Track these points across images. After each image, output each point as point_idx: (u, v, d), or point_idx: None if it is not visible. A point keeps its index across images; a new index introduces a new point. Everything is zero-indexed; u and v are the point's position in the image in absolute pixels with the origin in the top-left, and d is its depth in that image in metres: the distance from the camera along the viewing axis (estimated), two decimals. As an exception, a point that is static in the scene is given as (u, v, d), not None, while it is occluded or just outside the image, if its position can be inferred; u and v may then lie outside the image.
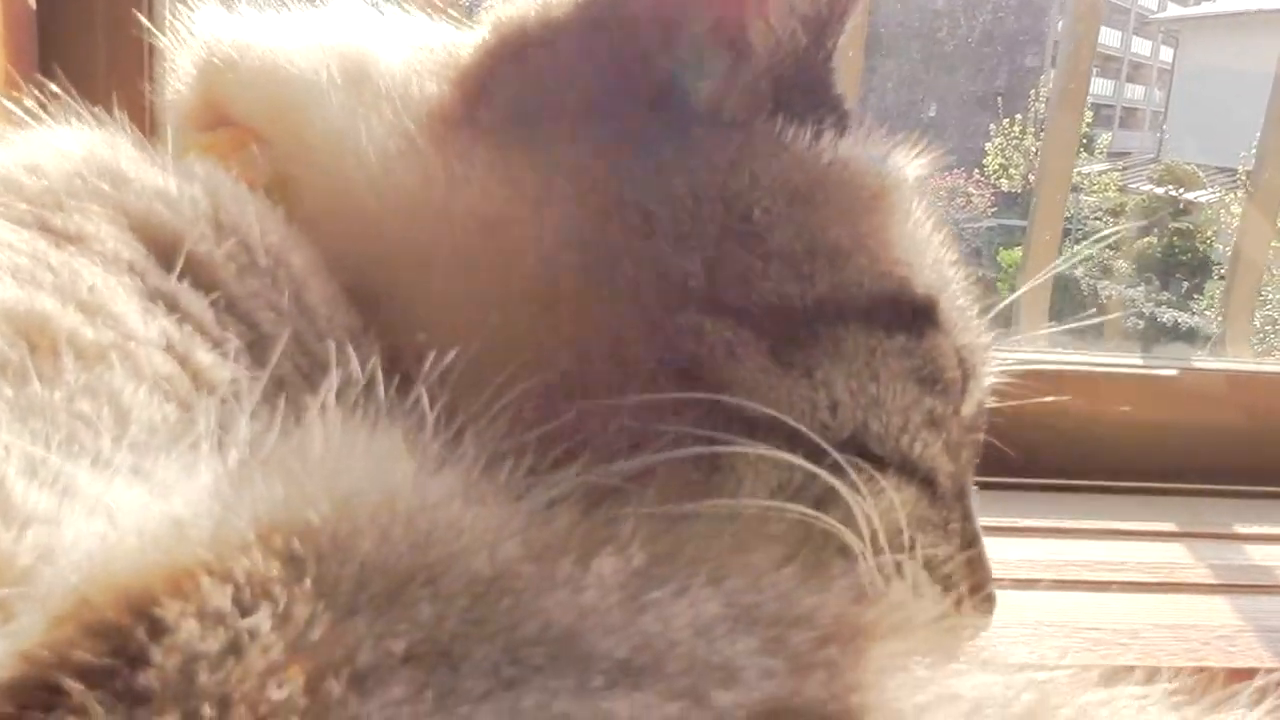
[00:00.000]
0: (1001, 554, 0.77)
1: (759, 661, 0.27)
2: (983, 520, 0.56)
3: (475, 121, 0.42)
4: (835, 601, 0.32)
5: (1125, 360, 0.97)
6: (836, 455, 0.42)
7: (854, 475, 0.42)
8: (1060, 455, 0.88)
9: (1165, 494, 0.93)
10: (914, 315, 0.45)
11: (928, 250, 0.47)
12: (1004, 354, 0.53)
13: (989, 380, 0.50)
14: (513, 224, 0.41)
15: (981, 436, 0.51)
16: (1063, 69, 1.14)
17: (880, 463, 0.44)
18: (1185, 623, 0.72)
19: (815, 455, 0.42)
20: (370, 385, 0.30)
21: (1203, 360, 1.01)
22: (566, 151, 0.42)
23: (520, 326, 0.40)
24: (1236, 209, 6.58)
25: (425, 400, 0.30)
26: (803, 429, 0.41)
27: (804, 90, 0.46)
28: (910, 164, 0.50)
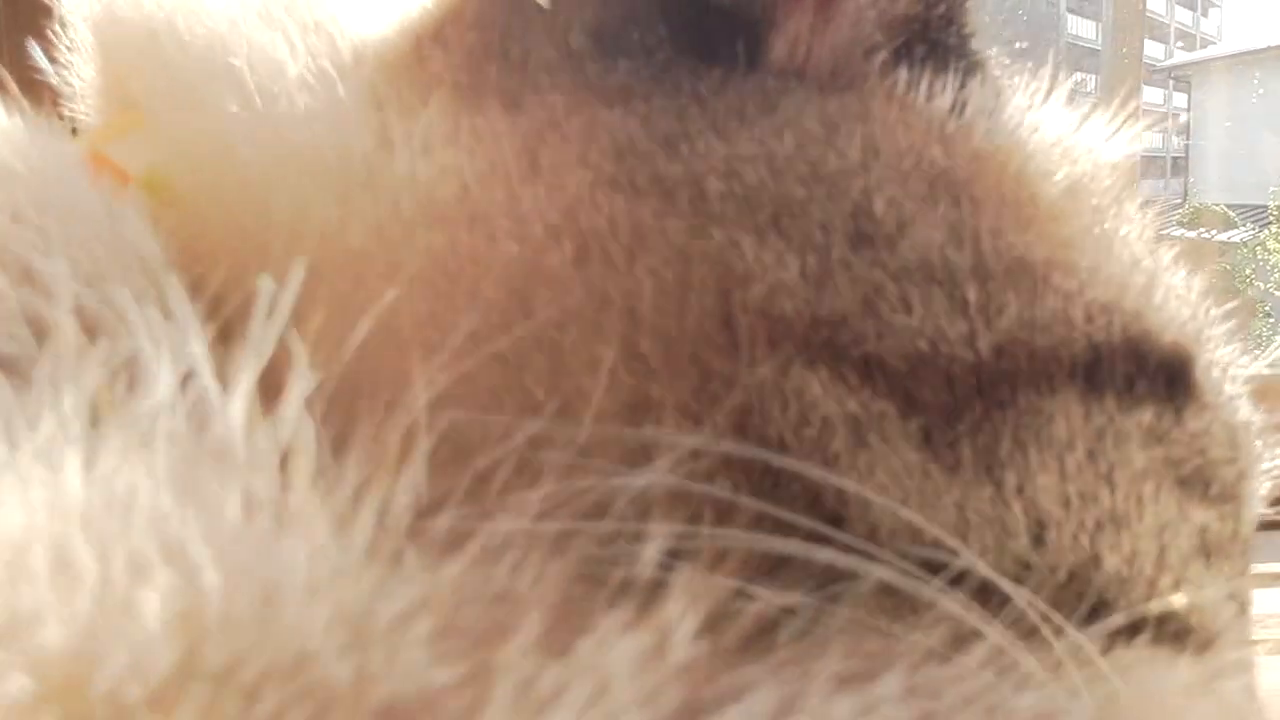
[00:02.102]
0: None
1: None
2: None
3: (429, 74, 0.30)
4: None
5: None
6: (1045, 616, 0.25)
7: (1067, 649, 0.25)
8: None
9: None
10: (1164, 376, 0.28)
11: (1160, 276, 0.31)
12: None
13: (1266, 483, 0.32)
14: (477, 206, 0.28)
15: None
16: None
17: (1123, 629, 0.26)
18: None
19: (998, 610, 0.25)
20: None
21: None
22: (564, 106, 0.29)
23: (474, 337, 0.26)
24: (1272, 245, 6.57)
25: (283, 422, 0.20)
26: (982, 569, 0.25)
27: (934, 36, 0.32)
28: (1107, 139, 0.33)
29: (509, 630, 0.18)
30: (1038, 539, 0.26)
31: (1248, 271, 6.72)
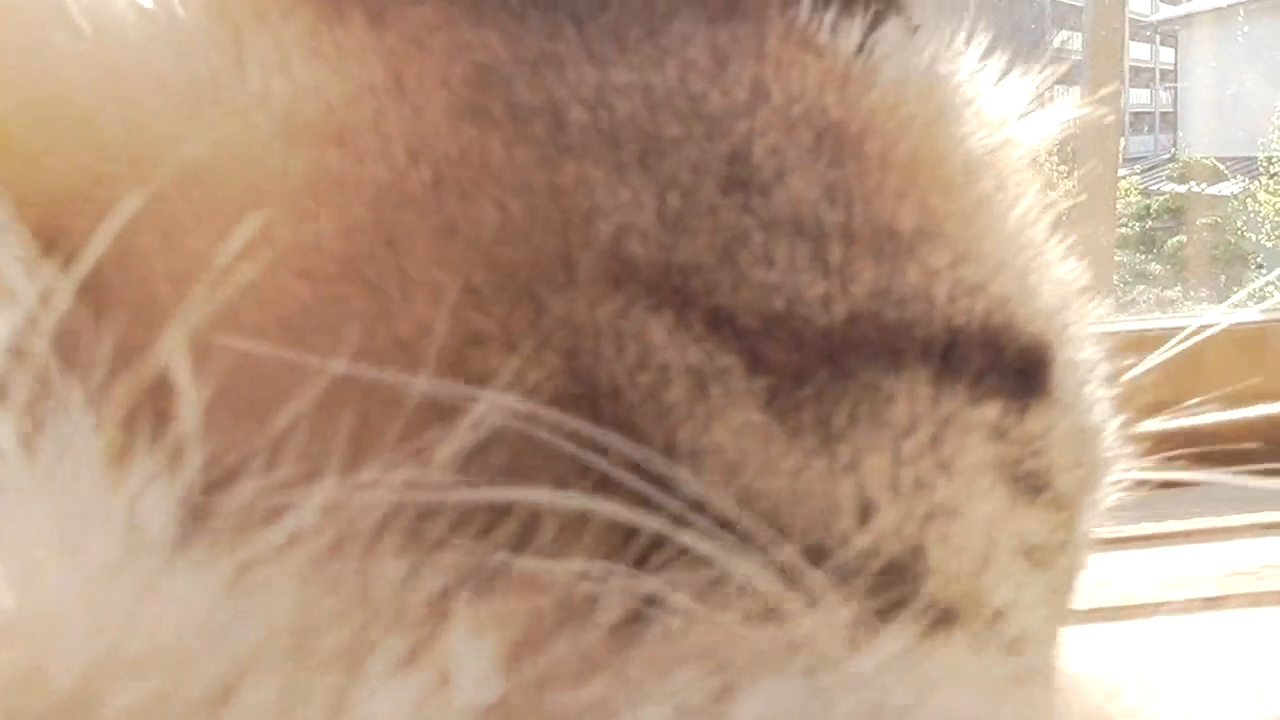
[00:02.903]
0: (1149, 569, 0.66)
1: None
2: (1119, 531, 0.39)
3: None
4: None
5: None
6: (844, 600, 0.24)
7: (882, 641, 0.24)
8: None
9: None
10: (1017, 370, 0.28)
11: (1040, 263, 0.30)
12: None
13: (1109, 495, 0.31)
14: (344, 125, 0.26)
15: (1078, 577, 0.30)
16: (1091, 76, 1.14)
17: (939, 617, 0.26)
18: None
19: (808, 586, 0.24)
20: None
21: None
22: (429, 22, 0.27)
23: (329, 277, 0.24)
24: (1263, 196, 6.60)
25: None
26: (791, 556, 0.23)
27: None
28: (1028, 109, 0.31)
29: (238, 684, 0.14)
30: (864, 520, 0.25)
31: (1239, 224, 6.77)
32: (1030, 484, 0.28)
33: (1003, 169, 0.29)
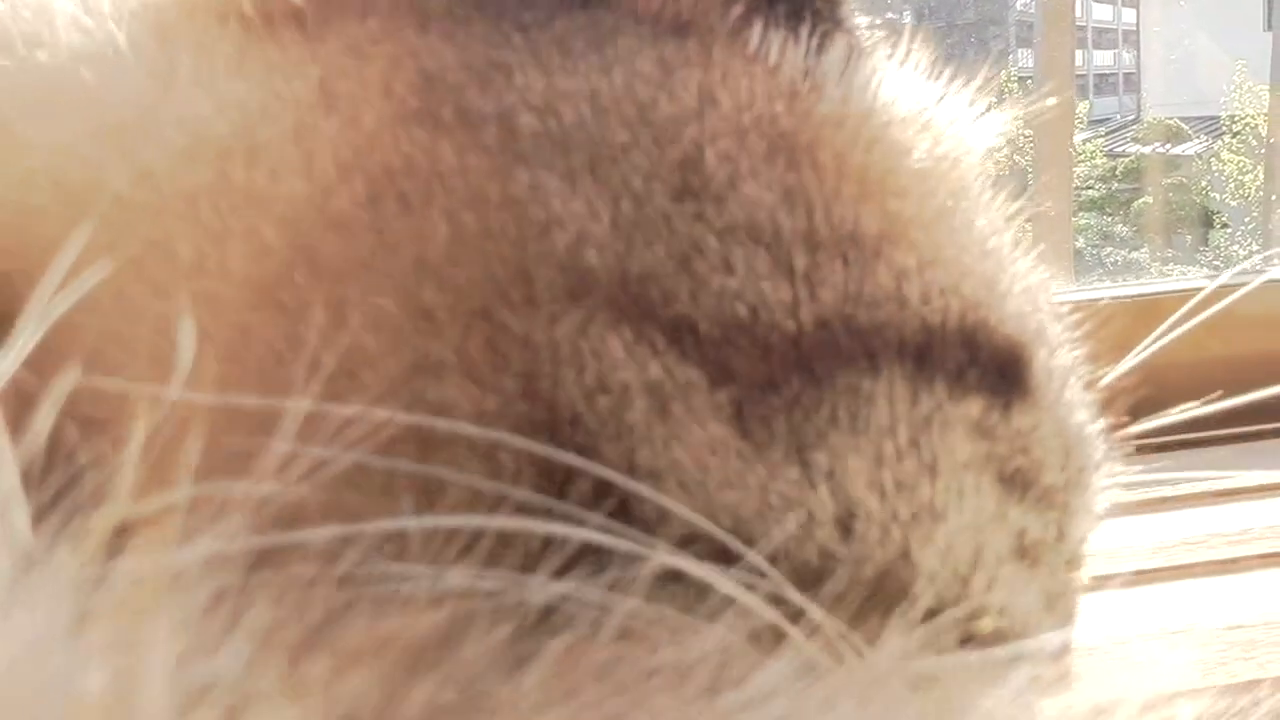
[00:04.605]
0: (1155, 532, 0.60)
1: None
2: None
3: (225, 3, 0.26)
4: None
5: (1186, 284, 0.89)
6: (833, 625, 0.22)
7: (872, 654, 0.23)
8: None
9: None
10: (996, 368, 0.26)
11: (1008, 268, 0.29)
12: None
13: (1101, 499, 0.30)
14: (257, 139, 0.24)
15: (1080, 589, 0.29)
16: (1043, 39, 1.14)
17: (930, 630, 0.24)
18: None
19: (796, 614, 0.23)
20: None
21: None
22: (371, 33, 0.25)
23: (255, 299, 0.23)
24: (1226, 155, 6.64)
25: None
26: (761, 567, 0.22)
27: None
28: (976, 119, 0.31)
29: None
30: (846, 529, 0.24)
31: (1203, 184, 6.80)
32: (1019, 481, 0.26)
33: (955, 176, 0.29)
